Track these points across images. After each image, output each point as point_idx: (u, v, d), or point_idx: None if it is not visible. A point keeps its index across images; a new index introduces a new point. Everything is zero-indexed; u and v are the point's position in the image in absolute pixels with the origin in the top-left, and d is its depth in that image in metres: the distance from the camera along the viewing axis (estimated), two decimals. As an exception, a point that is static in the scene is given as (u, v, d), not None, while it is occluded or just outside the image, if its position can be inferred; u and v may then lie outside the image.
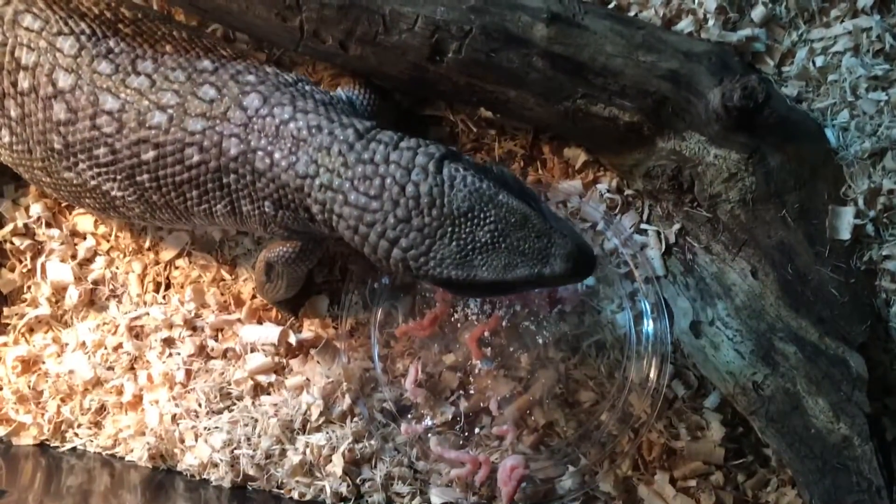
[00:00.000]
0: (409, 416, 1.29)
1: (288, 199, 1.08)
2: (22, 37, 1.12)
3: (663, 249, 1.29)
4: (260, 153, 1.07)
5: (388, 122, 1.24)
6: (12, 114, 1.15)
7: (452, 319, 1.29)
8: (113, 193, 1.15)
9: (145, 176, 1.12)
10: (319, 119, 1.06)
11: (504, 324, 1.28)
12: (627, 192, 1.32)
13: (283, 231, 1.15)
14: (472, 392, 1.29)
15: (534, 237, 1.00)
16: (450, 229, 1.00)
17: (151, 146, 1.09)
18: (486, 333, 1.28)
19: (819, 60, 1.29)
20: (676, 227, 1.28)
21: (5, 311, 1.39)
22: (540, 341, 1.29)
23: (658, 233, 1.30)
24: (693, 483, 1.25)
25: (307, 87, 1.13)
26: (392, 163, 1.01)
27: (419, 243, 1.00)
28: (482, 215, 0.99)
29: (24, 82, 1.12)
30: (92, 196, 1.18)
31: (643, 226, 1.31)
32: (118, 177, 1.13)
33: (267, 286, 1.27)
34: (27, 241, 1.39)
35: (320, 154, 1.04)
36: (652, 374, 1.25)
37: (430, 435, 1.27)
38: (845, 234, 1.20)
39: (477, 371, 1.29)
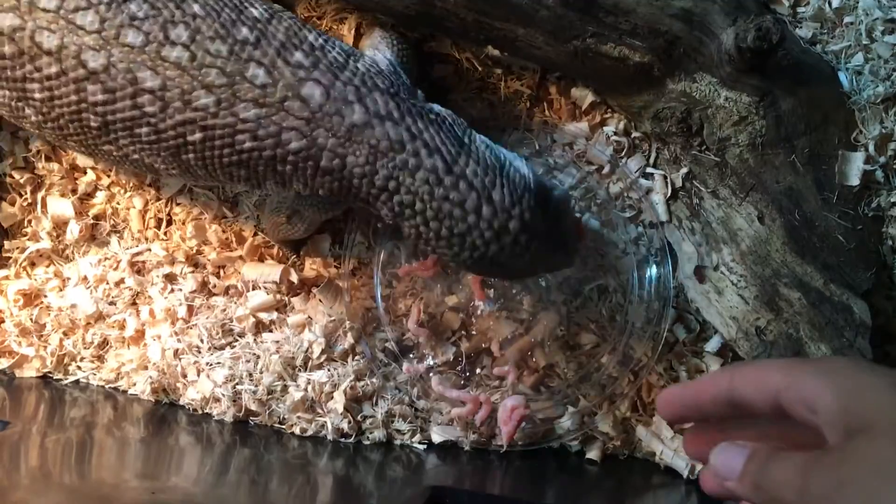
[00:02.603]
0: (411, 355, 1.29)
1: (351, 193, 1.05)
2: (40, 19, 1.01)
3: (669, 193, 1.28)
4: (328, 154, 1.01)
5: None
6: (37, 96, 1.06)
7: (456, 260, 1.29)
8: (156, 166, 1.10)
9: (191, 155, 1.06)
10: (400, 132, 1.00)
11: (507, 265, 1.27)
12: (635, 134, 1.31)
13: None
14: (473, 333, 1.29)
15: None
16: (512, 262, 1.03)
17: (199, 128, 1.03)
18: (489, 275, 1.27)
19: (835, 1, 1.27)
20: (683, 170, 1.26)
21: (6, 244, 1.39)
22: (543, 284, 1.29)
23: (664, 177, 1.28)
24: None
25: (359, 66, 1.05)
26: (485, 219, 1.00)
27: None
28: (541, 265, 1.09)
29: (50, 68, 1.03)
30: (133, 165, 1.13)
31: (649, 169, 1.30)
32: (162, 154, 1.07)
33: (284, 226, 1.24)
34: (27, 175, 1.37)
35: (402, 173, 1.00)
36: (653, 318, 1.25)
37: (431, 374, 1.28)
38: (854, 180, 1.19)
39: (479, 312, 1.29)
